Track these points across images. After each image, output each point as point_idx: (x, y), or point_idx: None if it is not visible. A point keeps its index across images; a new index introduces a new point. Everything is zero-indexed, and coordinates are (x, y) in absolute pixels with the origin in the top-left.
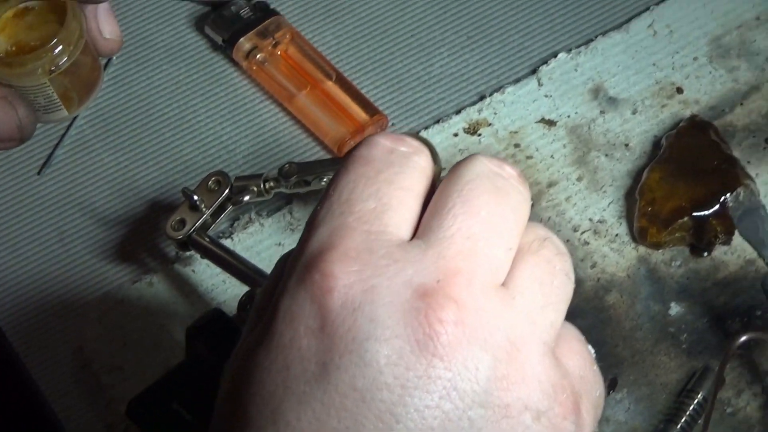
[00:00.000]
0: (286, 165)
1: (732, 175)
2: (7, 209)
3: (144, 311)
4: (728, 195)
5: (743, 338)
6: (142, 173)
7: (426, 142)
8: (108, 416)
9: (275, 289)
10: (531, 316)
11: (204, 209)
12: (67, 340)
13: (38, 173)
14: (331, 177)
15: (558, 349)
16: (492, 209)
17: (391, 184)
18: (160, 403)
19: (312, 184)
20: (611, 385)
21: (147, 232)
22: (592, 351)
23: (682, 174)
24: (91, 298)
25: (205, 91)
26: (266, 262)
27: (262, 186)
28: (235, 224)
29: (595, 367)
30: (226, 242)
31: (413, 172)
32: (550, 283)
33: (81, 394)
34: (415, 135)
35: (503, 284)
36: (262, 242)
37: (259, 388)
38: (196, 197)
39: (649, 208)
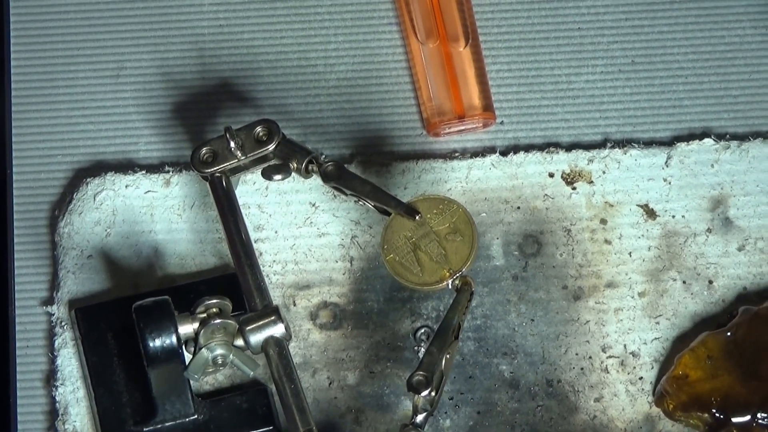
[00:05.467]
0: (330, 165)
1: None
2: None
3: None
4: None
5: None
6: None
7: None
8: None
9: None
10: None
11: (240, 155)
12: None
13: None
14: (368, 204)
15: None
16: None
17: None
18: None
19: (348, 197)
20: None
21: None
22: None
23: (734, 363)
24: None
25: None
26: (290, 217)
27: (303, 165)
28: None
29: None
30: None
31: None
32: None
33: None
34: None
35: None
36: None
37: None
38: (233, 143)
39: (682, 377)
